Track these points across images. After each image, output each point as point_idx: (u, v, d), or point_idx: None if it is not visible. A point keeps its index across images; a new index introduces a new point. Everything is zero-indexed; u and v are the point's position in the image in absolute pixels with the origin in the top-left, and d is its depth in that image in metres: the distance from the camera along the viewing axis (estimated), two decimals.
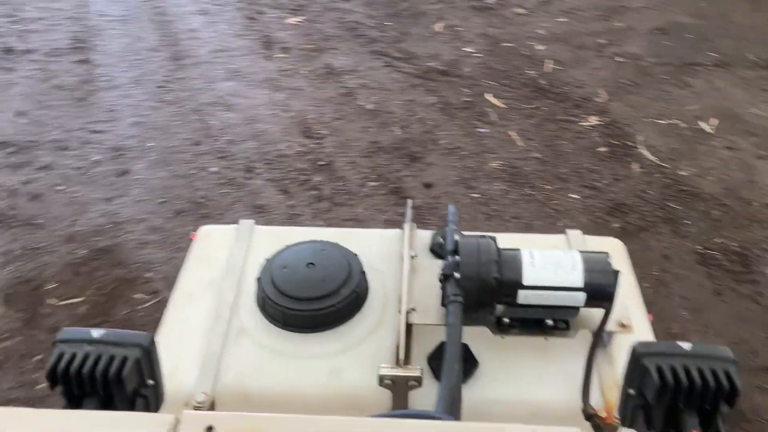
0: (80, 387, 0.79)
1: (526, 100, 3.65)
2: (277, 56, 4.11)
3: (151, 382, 0.83)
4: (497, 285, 1.04)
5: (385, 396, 1.05)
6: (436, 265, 1.13)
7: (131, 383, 0.80)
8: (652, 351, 0.78)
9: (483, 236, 1.09)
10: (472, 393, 1.05)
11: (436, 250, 1.26)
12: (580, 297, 1.03)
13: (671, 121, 3.45)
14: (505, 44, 4.15)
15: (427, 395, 1.04)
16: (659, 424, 0.77)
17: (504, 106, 3.56)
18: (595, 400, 1.02)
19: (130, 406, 0.81)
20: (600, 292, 1.03)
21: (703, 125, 3.40)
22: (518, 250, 1.07)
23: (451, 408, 0.88)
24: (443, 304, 1.07)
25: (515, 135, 3.32)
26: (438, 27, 4.36)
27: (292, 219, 2.87)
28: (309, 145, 3.36)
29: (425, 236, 1.29)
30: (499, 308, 1.09)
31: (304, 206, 2.96)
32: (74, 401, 0.80)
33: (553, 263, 1.04)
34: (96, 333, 0.81)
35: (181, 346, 1.12)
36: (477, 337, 1.10)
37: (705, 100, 3.63)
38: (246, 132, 3.45)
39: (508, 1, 4.70)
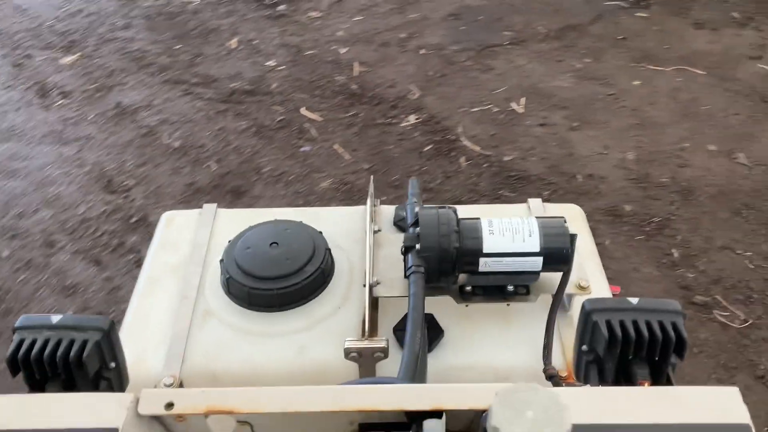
0: (42, 372, 0.80)
1: (342, 108, 3.47)
2: (56, 104, 3.56)
3: (112, 364, 0.83)
4: (458, 254, 1.05)
5: (353, 369, 1.07)
6: (400, 239, 1.14)
7: (93, 366, 0.80)
8: (601, 307, 0.81)
9: (443, 207, 1.11)
10: (438, 361, 1.07)
11: (399, 224, 1.27)
12: (539, 261, 1.05)
13: (484, 107, 3.43)
14: (308, 52, 3.90)
15: (394, 366, 1.05)
16: (611, 377, 0.80)
17: (321, 119, 3.38)
18: (557, 361, 1.05)
19: (94, 390, 0.82)
20: (557, 256, 1.05)
21: (514, 106, 3.40)
22: (477, 219, 1.08)
23: (414, 374, 0.90)
24: (406, 276, 1.09)
25: (340, 148, 3.17)
26: (233, 43, 4.00)
27: (111, 294, 2.54)
28: (115, 201, 2.93)
29: (389, 211, 1.30)
30: (461, 277, 1.11)
31: (123, 275, 2.60)
32: (37, 387, 0.81)
33: (511, 230, 1.06)
34: (54, 318, 0.82)
35: (148, 330, 1.12)
36: (441, 307, 1.12)
37: (510, 80, 3.61)
38: (36, 200, 2.95)
39: (300, 5, 4.37)
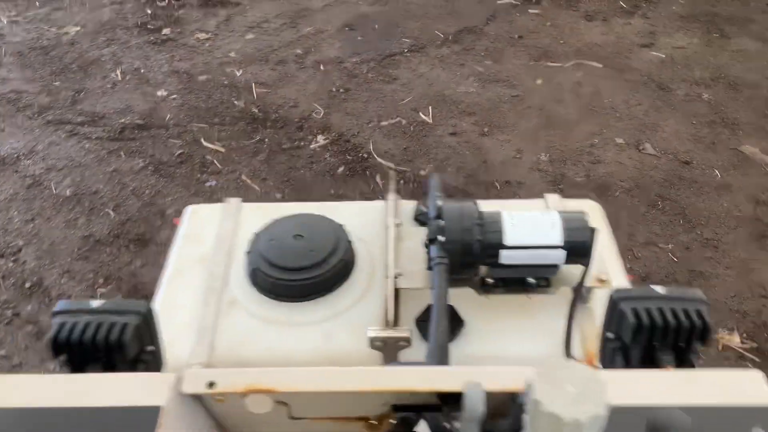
0: (83, 355, 0.82)
1: (245, 135, 3.22)
2: None
3: (151, 347, 0.86)
4: (480, 246, 1.07)
5: (377, 358, 1.09)
6: (421, 233, 1.16)
7: (132, 349, 0.83)
8: (628, 296, 0.83)
9: (465, 201, 1.13)
10: (458, 351, 1.09)
11: (420, 219, 1.29)
12: (560, 255, 1.08)
13: (393, 120, 3.29)
14: (201, 77, 3.63)
15: (416, 355, 1.08)
16: (637, 363, 0.82)
17: (224, 149, 3.11)
18: (577, 352, 1.07)
19: (132, 371, 0.84)
20: (578, 249, 1.07)
21: (423, 116, 3.29)
22: (499, 212, 1.11)
23: (441, 360, 0.92)
24: (429, 268, 1.11)
25: (248, 179, 2.94)
26: (118, 74, 3.66)
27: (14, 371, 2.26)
28: (4, 266, 2.61)
29: (408, 207, 1.33)
30: (483, 269, 1.13)
31: (23, 350, 2.31)
32: (78, 369, 0.83)
33: (533, 223, 1.08)
34: (95, 303, 0.84)
35: (175, 319, 1.14)
36: (462, 299, 1.14)
37: (415, 89, 3.51)
38: None
39: (186, 27, 4.08)
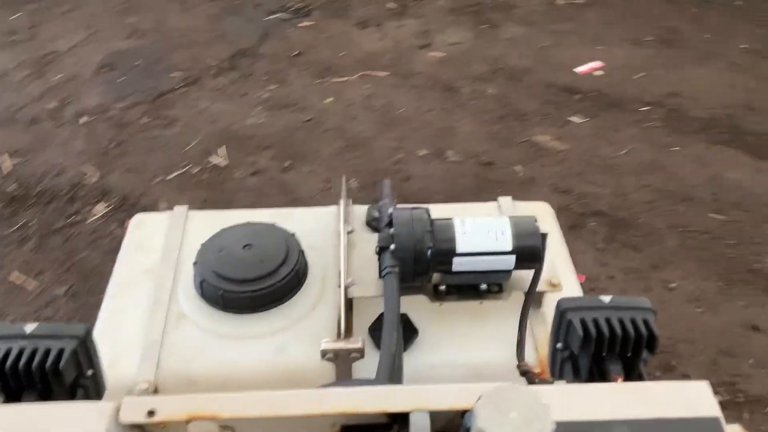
0: (18, 382, 0.78)
1: (5, 221, 2.66)
2: None
3: (90, 372, 0.82)
4: (432, 254, 1.07)
5: (329, 370, 1.08)
6: (373, 239, 1.15)
7: (69, 375, 0.79)
8: (575, 306, 0.83)
9: (416, 208, 1.12)
10: (413, 360, 1.09)
11: (372, 224, 1.28)
12: (511, 260, 1.07)
13: (182, 170, 2.85)
14: None
15: (370, 366, 1.06)
16: (585, 373, 0.82)
17: None
18: (530, 357, 1.07)
19: (71, 398, 0.81)
20: (529, 254, 1.07)
21: (215, 159, 2.89)
22: (450, 219, 1.10)
23: (392, 374, 0.91)
24: (381, 277, 1.10)
25: (19, 276, 2.39)
26: None
27: None
28: None
29: (361, 212, 1.31)
30: (435, 276, 1.12)
31: None
32: (12, 397, 0.79)
33: (484, 229, 1.08)
34: (29, 327, 0.80)
35: (121, 335, 1.11)
36: (416, 306, 1.13)
37: (199, 129, 3.08)
38: None
39: None
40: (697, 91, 3.36)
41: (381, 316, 1.09)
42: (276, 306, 1.14)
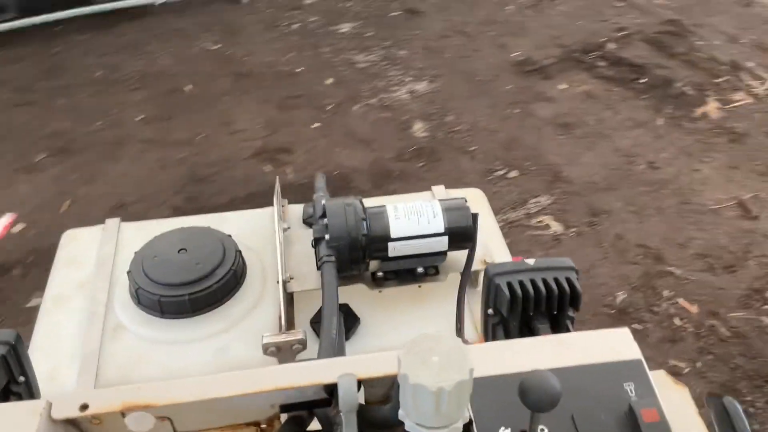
0: None
1: None
2: None
3: (21, 378, 0.81)
4: (367, 241, 1.08)
5: (274, 365, 1.07)
6: (310, 235, 1.16)
7: (0, 380, 0.77)
8: (501, 270, 0.86)
9: (348, 198, 1.13)
10: (357, 347, 1.10)
11: (309, 222, 1.29)
12: (444, 241, 1.10)
13: None
14: None
15: (314, 356, 1.07)
16: (516, 334, 0.85)
17: None
18: (470, 335, 1.09)
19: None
20: (461, 234, 1.10)
21: None
22: (383, 206, 1.12)
23: (332, 356, 0.91)
24: (318, 268, 1.11)
25: None
26: None
27: None
28: None
29: (297, 210, 1.32)
30: (373, 264, 1.14)
31: None
32: None
33: (416, 213, 1.10)
34: None
35: (57, 348, 1.08)
36: (356, 296, 1.14)
37: None
38: None
39: None
40: None
41: (321, 308, 1.10)
42: (215, 308, 1.13)
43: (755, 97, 3.44)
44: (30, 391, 0.83)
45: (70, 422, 0.71)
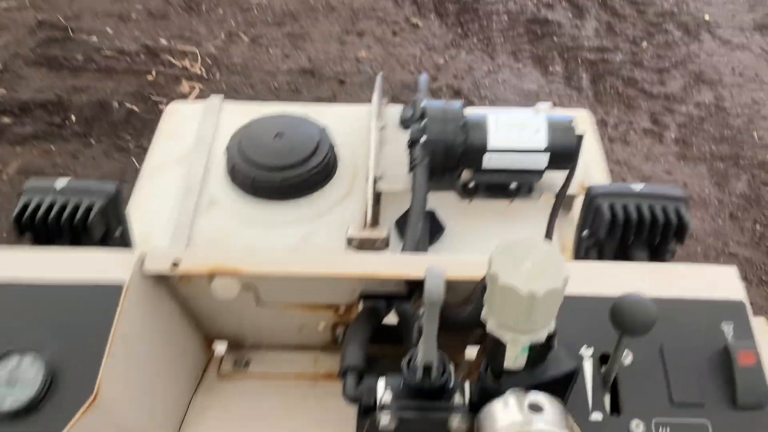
0: (48, 235, 0.81)
1: None
2: None
3: (118, 231, 0.84)
4: (462, 149, 1.05)
5: None
6: (406, 137, 1.13)
7: (98, 230, 0.81)
8: (604, 191, 0.81)
9: (450, 102, 1.10)
10: (438, 255, 1.09)
11: (406, 123, 1.26)
12: (544, 159, 1.05)
13: None
14: None
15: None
16: (610, 259, 0.81)
17: None
18: None
19: None
20: (563, 154, 1.05)
21: None
22: (485, 115, 1.08)
23: None
24: (411, 170, 1.09)
25: None
26: None
27: None
28: None
29: (395, 111, 1.29)
30: (465, 174, 1.11)
31: None
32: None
33: (518, 126, 1.05)
34: (61, 182, 0.82)
35: (153, 215, 1.13)
36: (443, 203, 1.12)
37: None
38: None
39: None
40: None
41: (409, 209, 1.09)
42: (304, 195, 1.15)
43: None
44: (125, 245, 0.87)
45: (160, 278, 0.73)
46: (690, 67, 2.84)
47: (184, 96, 2.69)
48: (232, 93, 2.69)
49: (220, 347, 0.85)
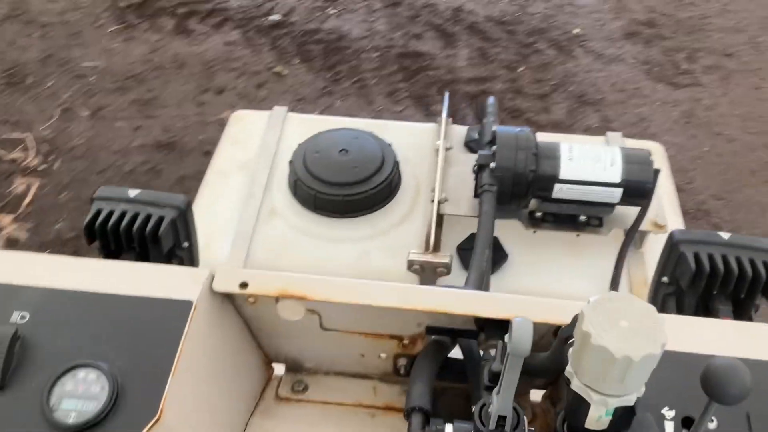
0: (117, 244, 0.81)
1: None
2: None
3: (186, 243, 0.84)
4: (533, 177, 1.02)
5: (414, 281, 1.06)
6: (471, 159, 1.11)
7: (167, 242, 0.81)
8: (690, 238, 0.77)
9: (522, 129, 1.07)
10: (499, 283, 1.06)
11: (471, 146, 1.23)
12: (617, 193, 1.01)
13: None
14: None
15: (456, 284, 1.05)
16: (690, 312, 0.77)
17: None
18: None
19: None
20: (638, 189, 1.01)
21: None
22: (557, 143, 1.04)
23: (480, 288, 0.88)
24: (476, 196, 1.06)
25: None
26: None
27: None
28: None
29: (461, 131, 1.27)
30: (533, 202, 1.08)
31: None
32: (112, 256, 0.82)
33: (592, 158, 1.02)
34: (133, 192, 0.82)
35: (214, 221, 1.13)
36: (508, 232, 1.09)
37: None
38: None
39: None
40: None
41: (471, 236, 1.07)
42: (366, 213, 1.13)
43: None
44: (191, 258, 0.87)
45: (227, 297, 0.73)
46: (571, 89, 2.68)
47: (19, 197, 2.17)
48: (78, 184, 2.22)
49: (279, 369, 0.84)
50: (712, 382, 0.53)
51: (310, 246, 1.10)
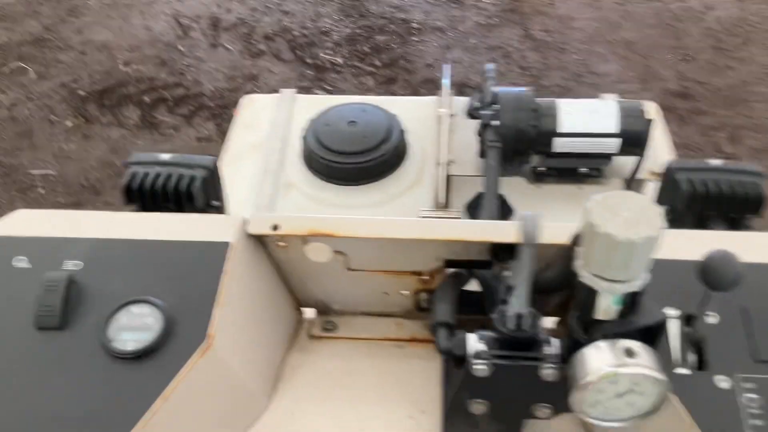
0: (154, 203, 0.87)
1: None
2: None
3: (216, 203, 0.90)
4: (534, 133, 1.08)
5: None
6: (473, 126, 1.17)
7: (200, 200, 0.87)
8: (683, 166, 0.83)
9: (520, 88, 1.13)
10: None
11: (473, 113, 1.29)
12: (615, 143, 1.08)
13: None
14: None
15: None
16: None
17: None
18: None
19: None
20: (634, 139, 1.07)
21: None
22: (554, 100, 1.11)
23: None
24: (481, 155, 1.12)
25: None
26: None
27: None
28: None
29: (463, 102, 1.33)
30: (535, 158, 1.14)
31: None
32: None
33: (590, 110, 1.08)
34: (164, 156, 0.88)
35: (234, 197, 1.19)
36: (513, 188, 1.15)
37: None
38: None
39: None
40: None
41: (479, 194, 1.13)
42: (377, 180, 1.19)
43: None
44: (222, 214, 0.92)
45: (260, 241, 0.79)
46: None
47: None
48: None
49: (309, 313, 0.89)
50: (707, 271, 0.59)
51: (327, 214, 1.16)
